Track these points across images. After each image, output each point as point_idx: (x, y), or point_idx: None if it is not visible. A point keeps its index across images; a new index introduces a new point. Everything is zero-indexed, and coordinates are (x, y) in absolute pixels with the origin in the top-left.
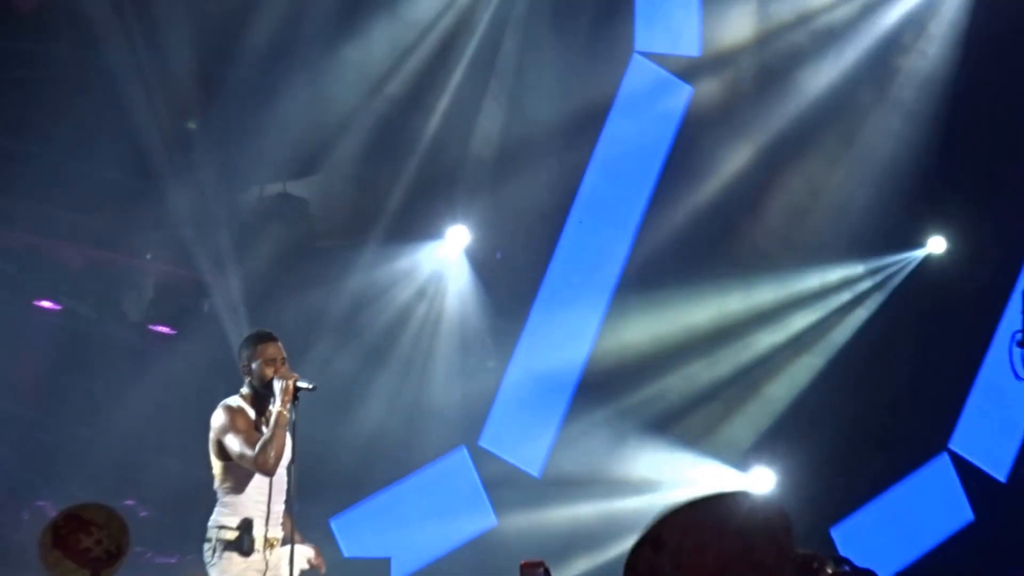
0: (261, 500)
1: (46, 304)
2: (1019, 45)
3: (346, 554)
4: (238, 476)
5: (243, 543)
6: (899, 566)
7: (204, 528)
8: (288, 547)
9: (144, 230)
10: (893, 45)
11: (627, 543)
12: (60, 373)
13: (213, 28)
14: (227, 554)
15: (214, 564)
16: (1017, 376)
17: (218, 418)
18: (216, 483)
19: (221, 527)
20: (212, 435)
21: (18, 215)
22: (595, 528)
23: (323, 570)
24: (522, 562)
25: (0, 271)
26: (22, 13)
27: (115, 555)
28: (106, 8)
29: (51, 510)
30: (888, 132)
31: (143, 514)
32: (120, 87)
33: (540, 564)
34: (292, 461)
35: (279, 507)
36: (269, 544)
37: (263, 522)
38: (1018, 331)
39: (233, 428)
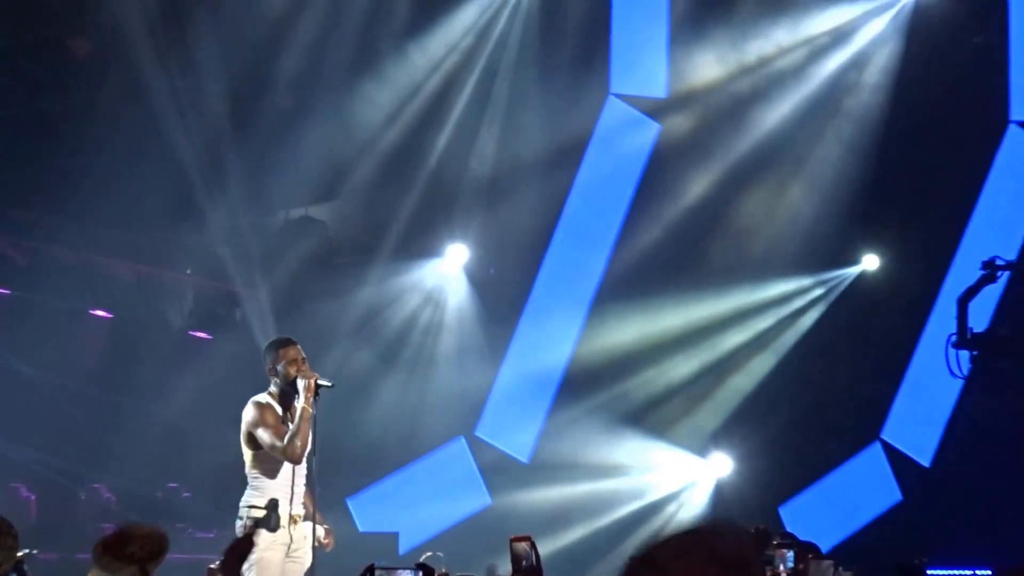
0: (286, 483)
1: (100, 313)
2: (940, 87)
3: (361, 529)
4: (266, 462)
5: (270, 520)
6: (837, 540)
7: (237, 508)
8: (310, 523)
9: (185, 248)
10: (835, 87)
11: (603, 520)
12: (112, 374)
13: (244, 73)
14: (257, 530)
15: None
16: (952, 373)
17: (249, 413)
18: (247, 468)
19: (251, 506)
20: (243, 427)
21: (77, 237)
22: (576, 506)
23: (329, 548)
24: (511, 537)
25: (62, 284)
26: (77, 57)
27: (158, 553)
28: (151, 52)
29: (105, 491)
30: (830, 163)
31: (185, 495)
32: (163, 124)
33: (527, 539)
34: (313, 450)
35: (301, 489)
36: (293, 520)
37: (288, 502)
38: (953, 334)
39: (263, 422)
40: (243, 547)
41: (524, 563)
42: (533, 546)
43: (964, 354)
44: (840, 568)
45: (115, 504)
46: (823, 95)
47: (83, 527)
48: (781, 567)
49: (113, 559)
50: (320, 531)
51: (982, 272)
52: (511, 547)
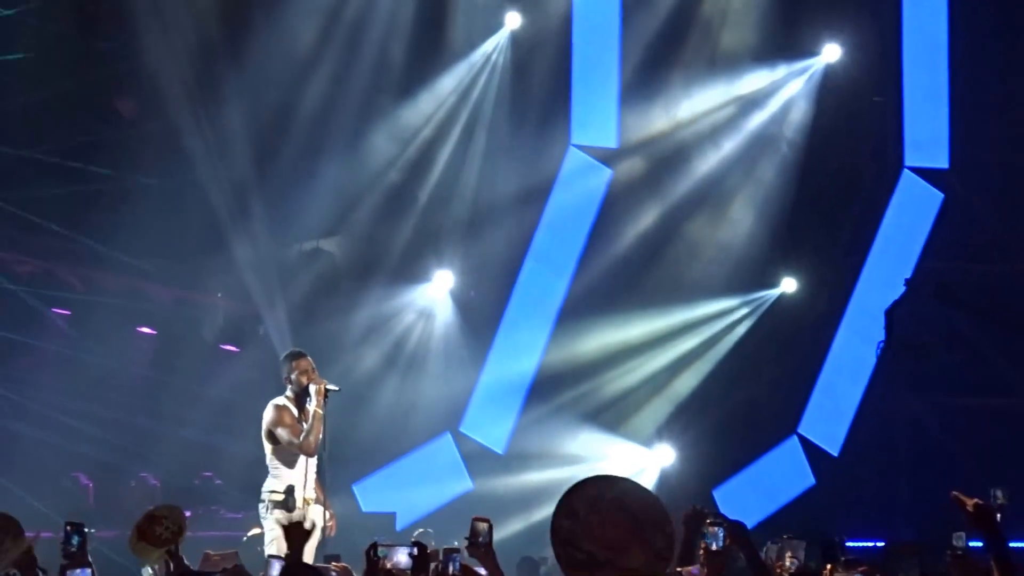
0: (300, 472)
1: (146, 330)
2: (846, 137)
3: (363, 510)
4: (283, 455)
5: (288, 503)
6: (761, 518)
7: (260, 492)
8: (320, 507)
9: (216, 275)
10: (760, 137)
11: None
12: (157, 379)
13: (264, 128)
14: (276, 511)
15: (266, 518)
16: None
17: (269, 413)
18: (267, 459)
19: (271, 491)
20: (264, 426)
21: (125, 265)
22: (542, 490)
23: (331, 533)
24: (474, 516)
25: (113, 305)
26: (124, 114)
27: (177, 533)
28: (186, 109)
29: (151, 479)
30: (755, 201)
31: (217, 482)
32: (197, 170)
33: (487, 520)
34: (323, 444)
35: (313, 476)
36: (306, 502)
37: (302, 487)
38: (881, 341)
39: (281, 422)
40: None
41: (480, 539)
42: (490, 528)
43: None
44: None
45: (159, 490)
46: (749, 144)
47: (132, 509)
48: (713, 543)
49: (145, 543)
50: (326, 515)
51: (904, 288)
52: (472, 523)
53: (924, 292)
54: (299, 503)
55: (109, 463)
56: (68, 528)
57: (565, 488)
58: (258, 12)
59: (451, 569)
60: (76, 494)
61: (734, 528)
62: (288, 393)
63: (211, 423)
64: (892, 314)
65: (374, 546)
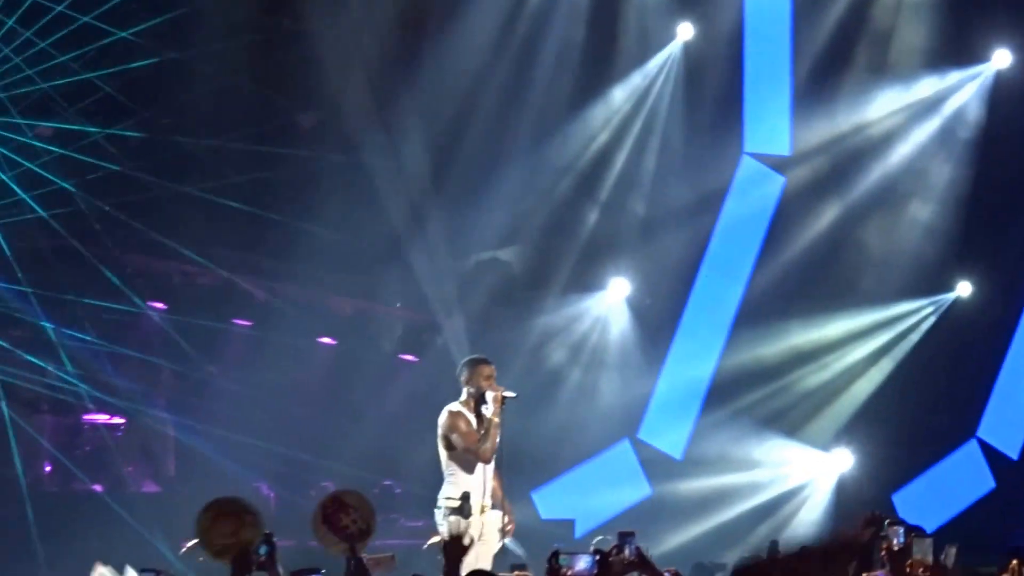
0: (476, 478)
1: (326, 340)
2: (1020, 141)
3: (543, 516)
4: (459, 461)
5: (464, 510)
6: (941, 523)
7: (436, 500)
8: (498, 512)
9: (394, 285)
10: (931, 142)
11: (741, 508)
12: (336, 389)
13: (439, 141)
14: (452, 517)
15: (443, 525)
16: None
17: (444, 419)
18: (443, 466)
19: (447, 498)
20: (440, 431)
21: (305, 277)
22: (720, 495)
23: (510, 534)
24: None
25: (294, 316)
26: (303, 129)
27: (366, 532)
28: (363, 122)
29: (331, 488)
30: (927, 205)
31: (397, 491)
32: (374, 183)
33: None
34: (500, 451)
35: (489, 483)
36: (482, 510)
37: (478, 494)
38: None
39: (456, 428)
40: (456, 549)
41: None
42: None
43: None
44: (946, 546)
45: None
46: (922, 149)
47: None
48: (894, 541)
49: (329, 530)
50: (505, 518)
51: None
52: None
53: None
54: (475, 509)
55: (290, 473)
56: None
57: (743, 493)
58: (433, 25)
59: (627, 552)
60: (259, 503)
61: (912, 531)
62: (463, 398)
63: (390, 430)
64: None
65: (556, 554)
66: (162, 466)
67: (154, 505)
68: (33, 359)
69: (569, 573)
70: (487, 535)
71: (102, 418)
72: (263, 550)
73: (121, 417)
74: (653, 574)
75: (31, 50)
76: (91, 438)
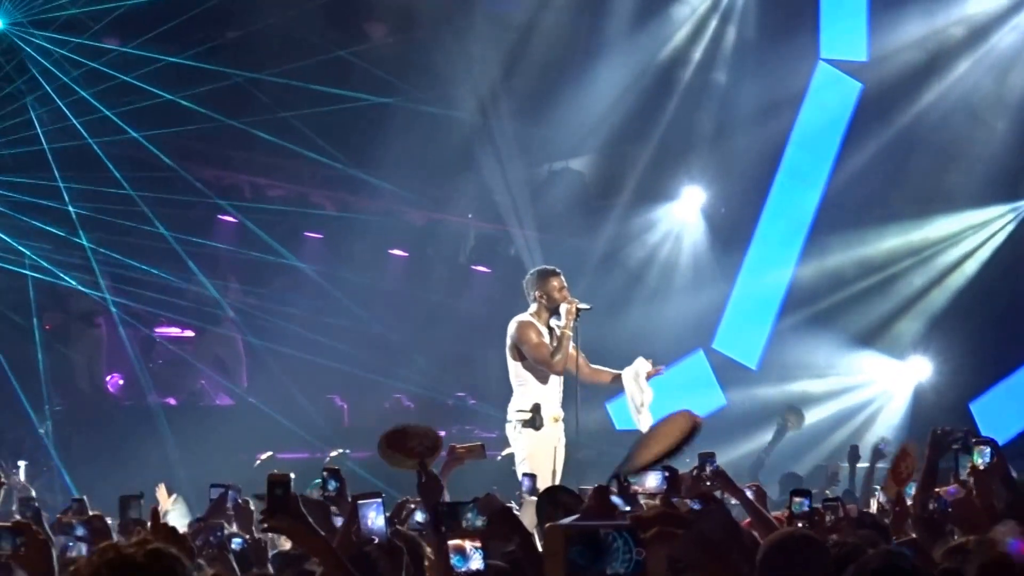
0: (548, 389)
1: (397, 252)
2: None
3: (617, 427)
4: (528, 372)
5: (535, 421)
6: (1021, 429)
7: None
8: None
9: (467, 197)
10: (1009, 46)
11: (821, 414)
12: (407, 299)
13: (511, 51)
14: (524, 430)
15: (516, 438)
16: None
17: (516, 329)
18: (511, 377)
19: (519, 410)
20: (509, 341)
21: (379, 190)
22: (796, 403)
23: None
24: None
25: (367, 225)
26: (372, 38)
27: (432, 448)
28: (435, 32)
29: (405, 400)
30: (1007, 109)
31: (471, 402)
32: (448, 94)
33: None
34: (578, 361)
35: (559, 394)
36: (554, 420)
37: (549, 404)
38: None
39: (528, 340)
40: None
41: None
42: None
43: None
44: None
45: (414, 411)
46: (1000, 53)
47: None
48: (980, 460)
49: (396, 452)
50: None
51: None
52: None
53: None
54: (547, 420)
55: (363, 384)
56: (325, 474)
57: (819, 402)
58: None
59: (707, 470)
60: (331, 415)
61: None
62: (532, 308)
63: (463, 338)
64: None
65: (617, 476)
66: (236, 379)
67: (228, 417)
68: (102, 273)
69: (640, 489)
70: (562, 447)
71: (174, 331)
72: (332, 484)
73: (193, 331)
74: (734, 492)
75: None
76: (164, 351)
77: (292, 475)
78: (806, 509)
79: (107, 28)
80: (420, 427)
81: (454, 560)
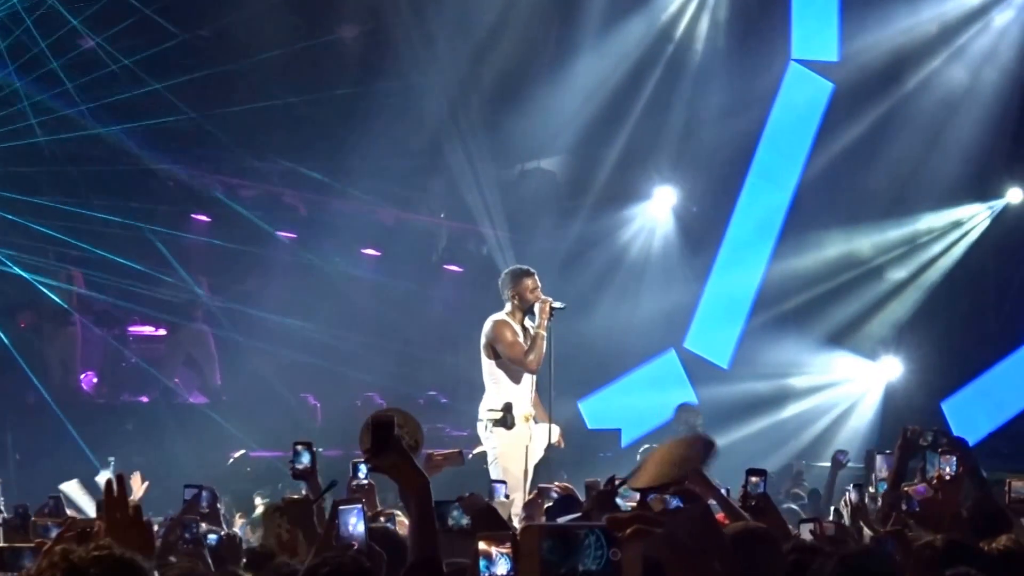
0: (518, 388)
1: (370, 251)
2: None
3: (589, 426)
4: (501, 371)
5: (507, 420)
6: (992, 428)
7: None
8: (545, 424)
9: (439, 197)
10: (979, 49)
11: (789, 412)
12: (380, 298)
13: (479, 52)
14: (496, 429)
15: (487, 438)
16: None
17: (492, 328)
18: (484, 376)
19: (489, 409)
20: (484, 340)
21: (348, 189)
22: (765, 401)
23: (561, 445)
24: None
25: (337, 226)
26: (345, 41)
27: (414, 448)
28: (404, 32)
29: (377, 398)
30: (976, 111)
31: (443, 401)
32: (418, 96)
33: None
34: (548, 362)
35: (531, 393)
36: (526, 419)
37: (521, 405)
38: None
39: (503, 338)
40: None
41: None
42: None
43: None
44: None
45: (385, 408)
46: (970, 56)
47: (360, 428)
48: (946, 469)
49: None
50: (556, 430)
51: None
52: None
53: None
54: (519, 419)
55: (336, 383)
56: (297, 447)
57: (792, 400)
58: None
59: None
60: (305, 414)
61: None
62: (508, 308)
63: (432, 338)
64: None
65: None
66: (209, 377)
67: (201, 416)
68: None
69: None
70: (535, 441)
71: (147, 330)
72: (306, 458)
73: (165, 329)
74: (710, 491)
75: None
76: (136, 350)
77: (395, 416)
78: (761, 490)
79: (84, 23)
80: (401, 415)
81: (480, 564)
